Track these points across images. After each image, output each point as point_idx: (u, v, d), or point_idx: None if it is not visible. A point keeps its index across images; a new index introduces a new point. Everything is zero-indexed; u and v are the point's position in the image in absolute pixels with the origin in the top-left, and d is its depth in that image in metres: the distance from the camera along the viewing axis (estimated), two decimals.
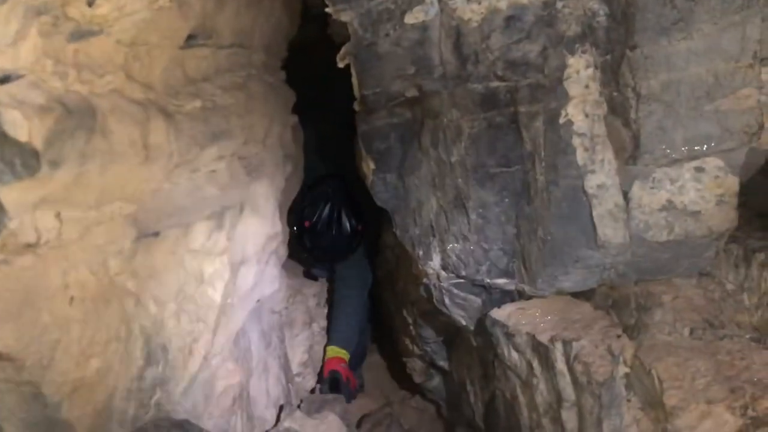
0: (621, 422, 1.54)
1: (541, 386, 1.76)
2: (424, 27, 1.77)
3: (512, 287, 1.89)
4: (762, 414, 1.33)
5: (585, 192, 1.71)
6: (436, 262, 1.95)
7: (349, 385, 2.73)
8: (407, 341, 2.74)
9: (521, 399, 1.88)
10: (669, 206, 1.66)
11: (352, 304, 2.89)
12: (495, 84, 1.75)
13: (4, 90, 1.06)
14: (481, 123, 1.79)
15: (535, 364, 1.77)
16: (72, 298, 1.25)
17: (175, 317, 1.57)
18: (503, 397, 2.00)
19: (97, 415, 1.34)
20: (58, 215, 1.19)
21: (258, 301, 2.14)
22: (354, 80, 1.90)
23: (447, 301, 2.03)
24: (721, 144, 1.59)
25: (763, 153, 1.65)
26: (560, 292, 1.86)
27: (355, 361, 2.93)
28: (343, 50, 1.88)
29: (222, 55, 1.82)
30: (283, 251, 2.44)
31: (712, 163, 1.62)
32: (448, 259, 1.91)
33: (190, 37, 1.61)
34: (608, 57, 1.64)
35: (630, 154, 1.64)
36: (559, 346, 1.68)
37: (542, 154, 1.73)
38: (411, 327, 2.61)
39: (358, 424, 2.71)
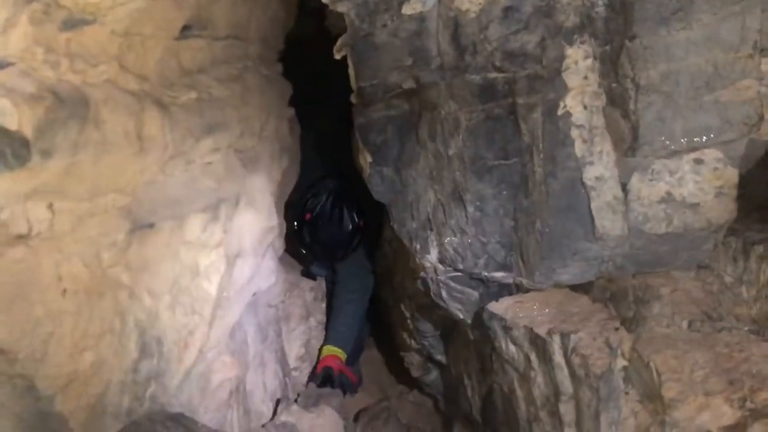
0: (619, 415, 1.53)
1: (539, 379, 1.76)
2: (421, 18, 1.75)
3: (510, 280, 1.88)
4: (760, 406, 1.33)
5: (583, 184, 1.70)
6: (433, 255, 1.94)
7: (344, 378, 2.68)
8: (405, 335, 2.73)
9: (519, 392, 1.87)
10: (668, 198, 1.65)
11: (353, 309, 2.83)
12: (493, 75, 1.73)
13: None
14: (479, 115, 1.77)
15: (533, 357, 1.76)
16: (65, 291, 1.24)
17: (170, 310, 1.56)
18: (501, 390, 1.99)
19: (91, 408, 1.33)
20: (50, 206, 1.18)
21: (254, 294, 2.13)
22: (351, 72, 1.89)
23: (444, 294, 2.02)
24: (721, 135, 1.58)
25: (763, 144, 1.63)
26: (558, 285, 1.85)
27: (353, 358, 2.91)
28: (339, 41, 1.86)
29: (217, 47, 1.81)
30: (280, 245, 2.43)
31: (712, 154, 1.61)
32: (445, 252, 1.90)
33: (185, 28, 1.60)
34: (607, 48, 1.63)
35: (629, 145, 1.63)
36: (556, 338, 1.67)
37: (540, 146, 1.72)
38: (408, 321, 2.60)
39: (356, 418, 2.71)
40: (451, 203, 1.86)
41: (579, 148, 1.69)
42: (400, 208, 1.98)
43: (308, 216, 2.75)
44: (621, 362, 1.56)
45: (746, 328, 1.56)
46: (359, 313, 2.87)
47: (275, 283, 2.35)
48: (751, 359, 1.45)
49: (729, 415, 1.34)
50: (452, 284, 1.98)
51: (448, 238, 1.88)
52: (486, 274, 1.88)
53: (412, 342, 2.68)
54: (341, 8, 1.80)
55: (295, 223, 2.74)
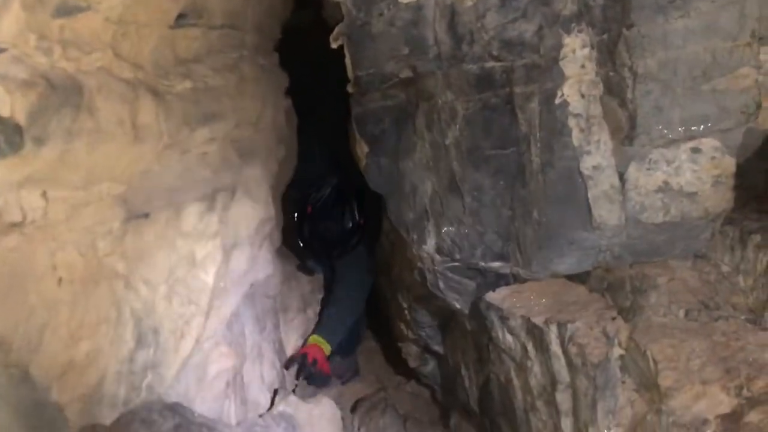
0: (615, 404, 1.53)
1: (536, 369, 1.76)
2: (418, 6, 1.74)
3: (507, 270, 1.88)
4: (757, 394, 1.33)
5: (580, 173, 1.69)
6: (430, 246, 1.93)
7: (315, 370, 2.49)
8: (402, 326, 2.73)
9: (516, 382, 1.87)
10: (665, 187, 1.64)
11: (348, 304, 2.77)
12: (490, 64, 1.72)
13: None
14: (476, 104, 1.76)
15: (530, 346, 1.76)
16: (60, 280, 1.24)
17: (167, 300, 1.56)
18: (498, 380, 2.00)
19: (88, 398, 1.33)
20: (44, 194, 1.17)
21: (252, 285, 2.12)
22: (347, 61, 1.87)
23: (441, 284, 2.01)
24: (719, 124, 1.57)
25: (761, 134, 1.63)
26: (555, 275, 1.84)
27: (343, 352, 2.86)
28: (336, 30, 1.85)
29: (213, 36, 1.80)
30: (277, 236, 2.42)
31: (709, 143, 1.61)
32: (442, 242, 1.90)
33: (181, 17, 1.59)
34: (605, 36, 1.62)
35: (626, 134, 1.63)
36: (553, 328, 1.67)
37: (537, 135, 1.71)
38: (406, 312, 2.60)
39: (353, 409, 2.71)
40: (448, 193, 1.85)
41: (576, 138, 1.68)
42: (397, 199, 1.97)
43: (309, 209, 2.72)
44: (618, 351, 1.56)
45: (743, 317, 1.57)
46: (354, 309, 2.79)
47: (273, 274, 2.35)
48: (748, 348, 1.45)
49: (726, 403, 1.34)
50: (449, 274, 1.98)
51: (445, 228, 1.88)
52: (483, 264, 1.88)
53: (410, 333, 2.68)
54: None
55: (296, 215, 2.72)
